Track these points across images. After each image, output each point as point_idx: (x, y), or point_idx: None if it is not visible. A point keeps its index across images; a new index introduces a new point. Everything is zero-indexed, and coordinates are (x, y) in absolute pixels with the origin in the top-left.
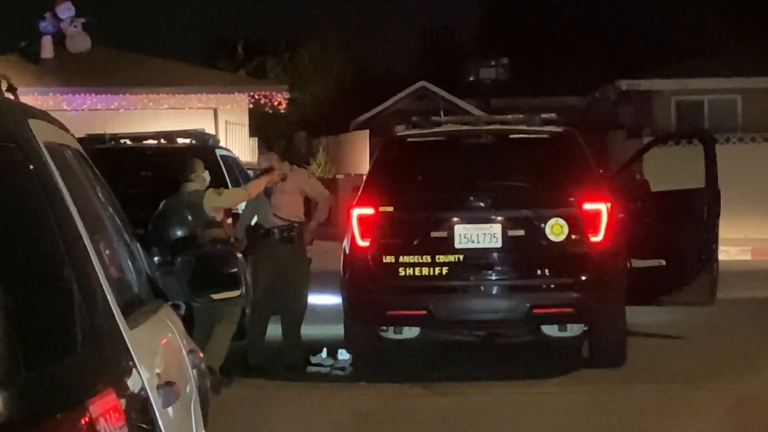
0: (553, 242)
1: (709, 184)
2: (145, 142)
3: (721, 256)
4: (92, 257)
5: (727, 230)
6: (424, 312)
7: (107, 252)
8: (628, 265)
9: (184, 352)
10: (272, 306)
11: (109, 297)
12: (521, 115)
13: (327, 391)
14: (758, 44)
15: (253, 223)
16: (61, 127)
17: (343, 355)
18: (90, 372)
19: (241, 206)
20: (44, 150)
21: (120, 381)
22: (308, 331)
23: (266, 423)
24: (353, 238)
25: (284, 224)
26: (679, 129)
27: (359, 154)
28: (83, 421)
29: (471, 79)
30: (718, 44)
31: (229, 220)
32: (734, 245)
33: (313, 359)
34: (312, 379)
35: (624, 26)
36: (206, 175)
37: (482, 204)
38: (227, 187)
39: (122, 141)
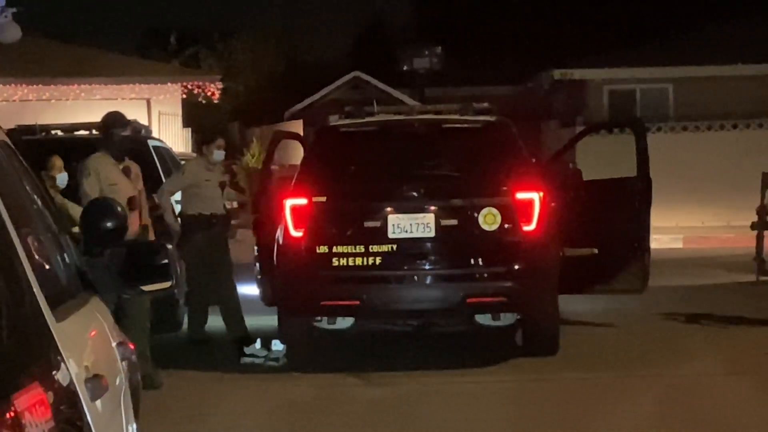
0: (486, 231)
1: (641, 173)
2: (77, 132)
3: (653, 245)
4: (18, 250)
5: (659, 219)
6: (358, 302)
7: (35, 245)
8: (561, 254)
9: (114, 345)
10: (214, 292)
11: (35, 289)
12: (455, 105)
13: (261, 382)
14: (690, 33)
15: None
16: None
17: (277, 345)
18: (15, 365)
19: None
20: None
21: (46, 374)
22: None
23: (200, 414)
24: (286, 229)
25: (224, 213)
26: (611, 118)
27: (293, 145)
28: (8, 416)
29: (405, 68)
30: (650, 33)
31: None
32: (666, 233)
33: (247, 350)
34: (246, 369)
35: (556, 15)
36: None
37: (415, 194)
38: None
39: (53, 132)
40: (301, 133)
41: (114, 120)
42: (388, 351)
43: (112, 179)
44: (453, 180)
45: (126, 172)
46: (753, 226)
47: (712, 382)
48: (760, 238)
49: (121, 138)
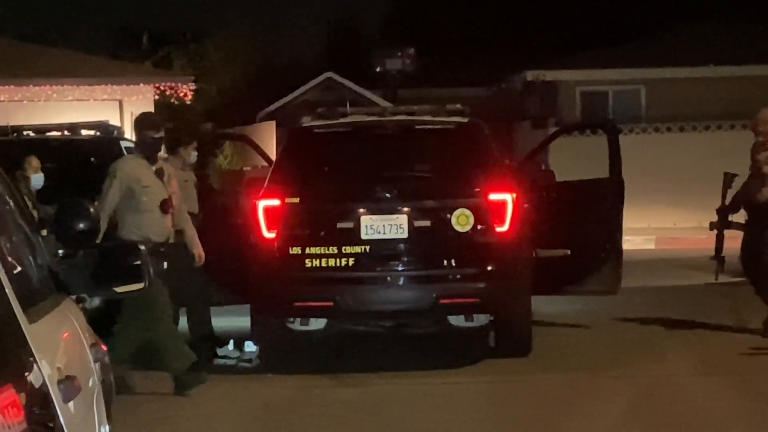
0: (459, 233)
1: (613, 174)
2: (48, 133)
3: (626, 246)
4: None
5: (631, 220)
6: (331, 303)
7: (7, 246)
8: (534, 255)
9: (86, 346)
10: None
11: (7, 291)
12: (427, 106)
13: (234, 383)
14: (662, 35)
15: None
16: None
17: (250, 347)
18: None
19: None
20: None
21: (19, 376)
22: (215, 322)
23: (173, 416)
24: (259, 230)
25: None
26: (583, 119)
27: (266, 146)
28: None
29: (378, 69)
30: (623, 35)
31: None
32: (638, 234)
33: (220, 351)
34: (219, 371)
35: (529, 16)
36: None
37: (388, 195)
38: None
39: (25, 133)
40: (274, 134)
41: (147, 122)
42: (361, 352)
43: (144, 181)
44: (426, 181)
45: (159, 174)
46: (711, 226)
47: (685, 382)
48: (720, 238)
49: (153, 140)
